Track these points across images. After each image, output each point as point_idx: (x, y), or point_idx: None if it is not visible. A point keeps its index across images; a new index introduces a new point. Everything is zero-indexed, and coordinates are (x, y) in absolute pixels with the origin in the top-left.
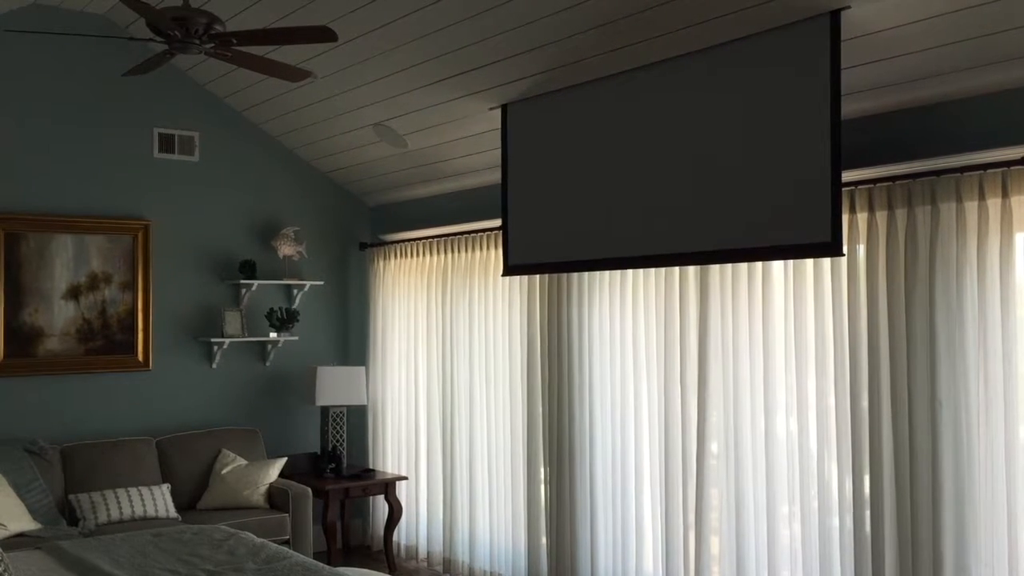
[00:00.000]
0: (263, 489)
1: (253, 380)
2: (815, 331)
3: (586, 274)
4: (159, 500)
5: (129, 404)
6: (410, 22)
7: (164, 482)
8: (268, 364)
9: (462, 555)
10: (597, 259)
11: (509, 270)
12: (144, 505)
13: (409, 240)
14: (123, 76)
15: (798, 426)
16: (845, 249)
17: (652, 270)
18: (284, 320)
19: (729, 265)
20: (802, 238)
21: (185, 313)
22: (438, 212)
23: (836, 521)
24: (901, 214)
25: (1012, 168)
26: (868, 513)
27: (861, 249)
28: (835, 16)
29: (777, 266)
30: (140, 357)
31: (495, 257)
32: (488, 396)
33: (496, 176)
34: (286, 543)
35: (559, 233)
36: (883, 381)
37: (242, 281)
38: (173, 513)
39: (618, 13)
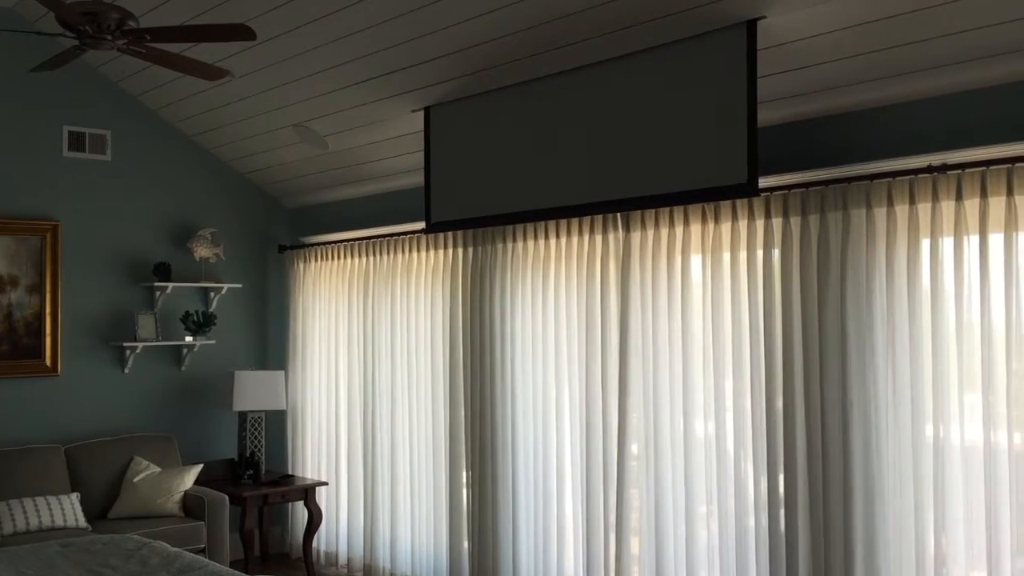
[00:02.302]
0: (177, 497)
1: (168, 385)
2: (732, 334)
3: (508, 275)
4: (68, 509)
5: (36, 411)
6: (330, 22)
7: (73, 491)
8: (183, 369)
9: (383, 560)
10: (518, 211)
11: (432, 227)
12: (52, 515)
13: (330, 243)
14: (31, 72)
15: (716, 427)
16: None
17: (574, 273)
18: (200, 324)
19: (650, 268)
20: (719, 181)
21: (96, 317)
22: (360, 214)
23: (752, 520)
24: (814, 220)
25: (919, 176)
26: (783, 512)
27: (776, 253)
28: (751, 26)
29: (696, 269)
30: (48, 362)
31: (418, 260)
32: (410, 400)
33: (419, 179)
34: (202, 552)
35: (482, 191)
36: (797, 383)
37: (156, 284)
38: (83, 523)
39: (540, 19)
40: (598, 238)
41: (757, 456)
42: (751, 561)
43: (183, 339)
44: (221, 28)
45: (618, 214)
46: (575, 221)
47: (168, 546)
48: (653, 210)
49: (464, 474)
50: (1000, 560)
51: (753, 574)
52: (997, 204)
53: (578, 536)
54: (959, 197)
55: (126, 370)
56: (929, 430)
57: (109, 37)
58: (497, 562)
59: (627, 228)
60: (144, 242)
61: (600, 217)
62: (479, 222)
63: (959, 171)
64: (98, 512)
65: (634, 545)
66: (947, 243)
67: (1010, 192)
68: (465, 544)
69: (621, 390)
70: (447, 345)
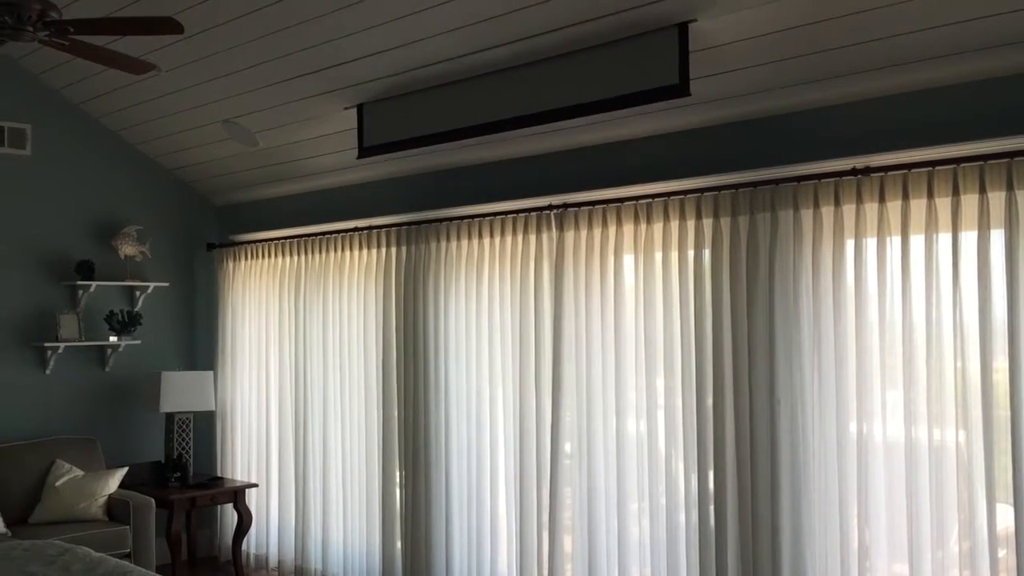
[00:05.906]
0: (101, 501)
1: (91, 387)
2: (664, 333)
3: (442, 274)
4: None
5: None
6: (260, 17)
7: None
8: (108, 369)
9: (314, 562)
10: (457, 128)
11: (364, 151)
12: None
13: (261, 241)
14: None
15: (647, 425)
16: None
17: (508, 273)
18: (125, 323)
19: (583, 267)
20: (651, 83)
21: (14, 317)
22: (291, 212)
23: (683, 517)
24: (744, 220)
25: (843, 178)
26: (712, 508)
27: (707, 254)
28: (683, 28)
29: (628, 269)
30: None
31: (350, 259)
32: (343, 400)
33: (352, 176)
34: (127, 557)
35: (418, 117)
36: (727, 381)
37: (79, 282)
38: (2, 528)
39: (476, 17)
40: (532, 238)
41: (688, 453)
42: (682, 556)
43: (107, 339)
44: (147, 21)
45: (551, 213)
46: (508, 220)
47: (91, 551)
48: (587, 210)
49: (397, 474)
50: (921, 552)
51: (684, 569)
52: (918, 206)
53: (511, 535)
54: (882, 199)
55: (47, 371)
56: (853, 426)
57: (30, 29)
58: (430, 562)
59: (561, 228)
60: (66, 239)
61: (534, 216)
62: (416, 142)
63: (882, 174)
64: (18, 517)
65: (567, 543)
66: (870, 244)
67: (930, 195)
68: (398, 544)
69: (555, 389)
70: (380, 345)
